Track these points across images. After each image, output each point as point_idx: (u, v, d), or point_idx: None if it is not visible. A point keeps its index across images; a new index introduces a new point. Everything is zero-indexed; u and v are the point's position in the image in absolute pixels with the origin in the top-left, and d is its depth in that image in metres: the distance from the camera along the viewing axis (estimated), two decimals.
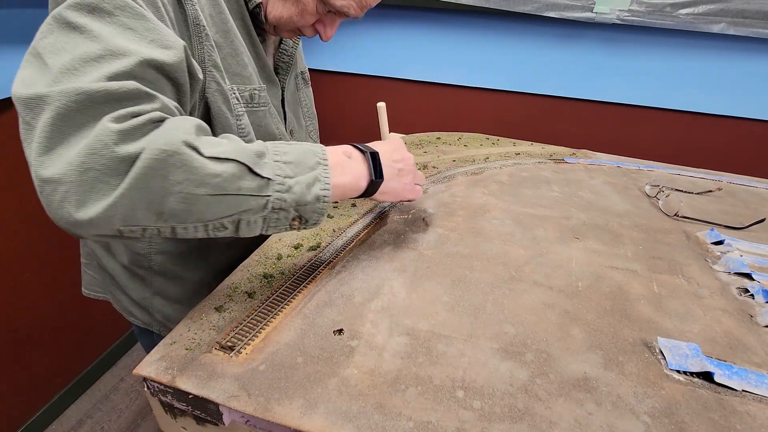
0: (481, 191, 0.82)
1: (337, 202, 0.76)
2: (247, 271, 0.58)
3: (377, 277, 0.57)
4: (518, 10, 1.27)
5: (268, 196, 0.42)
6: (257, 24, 0.60)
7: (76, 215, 0.35)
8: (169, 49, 0.42)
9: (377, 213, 0.72)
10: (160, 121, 0.38)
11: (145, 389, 0.44)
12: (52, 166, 0.34)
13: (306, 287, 0.55)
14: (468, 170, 0.91)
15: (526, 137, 1.22)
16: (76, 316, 1.38)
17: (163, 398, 0.44)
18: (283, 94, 0.69)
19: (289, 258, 0.61)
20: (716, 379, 0.44)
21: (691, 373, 0.45)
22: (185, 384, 0.41)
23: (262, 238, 0.65)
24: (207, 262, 0.66)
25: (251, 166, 0.41)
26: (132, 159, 0.35)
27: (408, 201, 0.66)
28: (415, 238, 0.66)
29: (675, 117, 1.36)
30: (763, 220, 0.76)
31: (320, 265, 0.59)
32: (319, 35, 0.61)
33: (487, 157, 0.99)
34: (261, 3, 0.56)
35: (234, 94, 0.56)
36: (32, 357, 1.28)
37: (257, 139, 0.60)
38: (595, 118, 1.44)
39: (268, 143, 0.45)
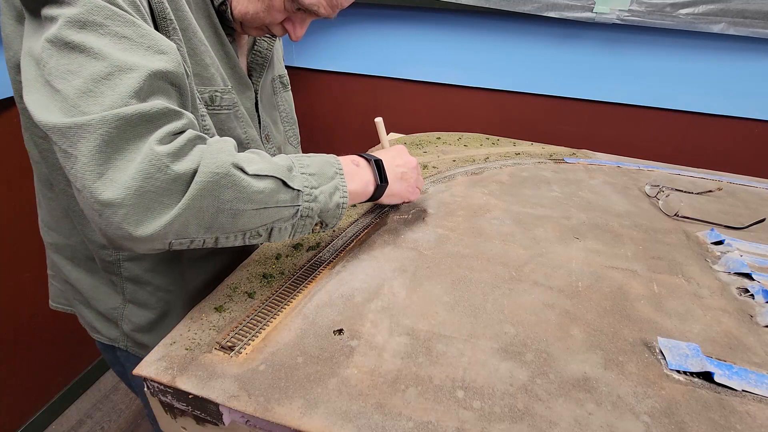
0: (481, 191, 0.82)
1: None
2: (247, 271, 0.58)
3: (377, 277, 0.57)
4: (518, 10, 1.27)
5: (298, 205, 0.47)
6: (225, 23, 0.58)
7: (135, 233, 0.38)
8: (166, 54, 0.42)
9: (377, 213, 0.72)
10: (197, 139, 0.41)
11: (145, 389, 0.44)
12: (108, 190, 0.36)
13: (306, 287, 0.55)
14: (468, 170, 0.91)
15: (526, 137, 1.22)
16: (77, 316, 1.38)
17: (163, 398, 0.44)
18: (257, 97, 0.67)
19: (289, 258, 0.61)
20: (716, 379, 0.44)
21: (691, 373, 0.45)
22: (185, 384, 0.41)
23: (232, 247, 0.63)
24: (177, 266, 0.63)
25: (286, 180, 0.45)
26: (185, 179, 0.38)
27: (408, 202, 0.72)
28: (415, 238, 0.66)
29: (675, 117, 1.36)
30: (763, 220, 0.76)
31: (320, 265, 0.59)
32: (288, 34, 0.59)
33: (487, 157, 0.99)
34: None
35: (195, 94, 0.54)
36: (32, 357, 1.28)
37: None
38: (595, 118, 1.44)
39: (291, 156, 0.50)
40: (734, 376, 0.45)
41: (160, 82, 0.41)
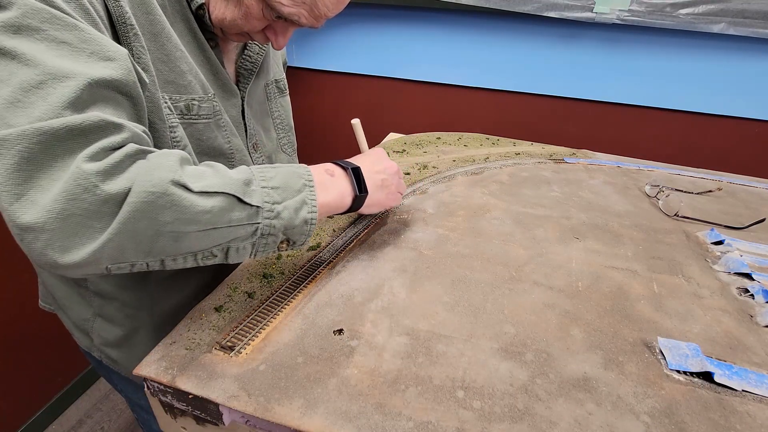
0: (481, 191, 0.82)
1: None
2: (247, 271, 0.58)
3: (377, 277, 0.57)
4: (518, 10, 1.27)
5: (258, 223, 0.42)
6: (206, 27, 0.54)
7: (61, 261, 0.34)
8: (113, 60, 0.39)
9: (372, 216, 0.72)
10: (138, 154, 0.37)
11: (146, 389, 0.44)
12: (29, 213, 0.33)
13: (306, 287, 0.55)
14: (468, 170, 0.91)
15: (526, 137, 1.22)
16: None
17: (163, 398, 0.44)
18: (243, 104, 0.63)
19: (289, 258, 0.61)
20: (716, 379, 0.44)
21: (691, 373, 0.45)
22: (185, 384, 0.41)
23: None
24: (146, 285, 0.60)
25: (240, 197, 0.40)
26: (116, 200, 0.34)
27: (390, 209, 0.67)
28: (415, 238, 0.66)
29: (675, 117, 1.36)
30: (763, 220, 0.76)
31: (320, 265, 0.59)
32: (271, 43, 0.56)
33: (487, 157, 0.99)
34: (204, 3, 0.52)
35: (165, 103, 0.50)
36: (32, 357, 1.28)
37: (196, 153, 0.56)
38: (595, 118, 1.44)
39: (253, 168, 0.45)
40: (734, 376, 0.45)
41: (105, 90, 0.38)
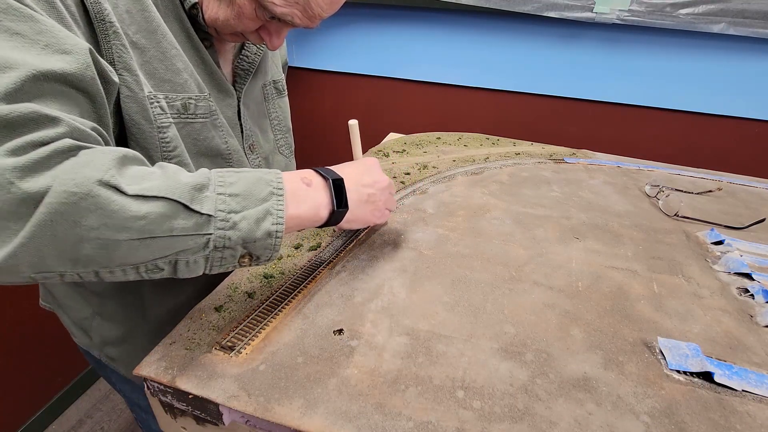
0: (481, 191, 0.82)
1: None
2: (247, 271, 0.58)
3: (377, 277, 0.57)
4: (518, 10, 1.27)
5: (209, 234, 0.38)
6: (200, 27, 0.53)
7: None
8: (69, 54, 0.36)
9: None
10: (72, 150, 0.33)
11: (146, 389, 0.44)
12: None
13: (306, 287, 0.55)
14: (468, 170, 0.91)
15: (526, 137, 1.22)
16: None
17: (163, 398, 0.44)
18: (239, 105, 0.62)
19: (289, 258, 0.61)
20: (716, 379, 0.44)
21: (691, 373, 0.45)
22: (185, 384, 0.41)
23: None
24: (139, 287, 0.60)
25: (187, 203, 0.36)
26: (35, 200, 0.31)
27: (375, 225, 0.63)
28: (415, 238, 0.66)
29: (675, 117, 1.36)
30: (763, 220, 0.76)
31: (320, 265, 0.59)
32: (265, 43, 0.55)
33: (487, 157, 0.99)
34: (197, 3, 0.51)
35: (158, 102, 0.49)
36: (32, 357, 1.28)
37: (194, 154, 0.55)
38: (595, 118, 1.44)
39: (213, 172, 0.41)
40: (734, 376, 0.45)
41: (55, 84, 0.35)
